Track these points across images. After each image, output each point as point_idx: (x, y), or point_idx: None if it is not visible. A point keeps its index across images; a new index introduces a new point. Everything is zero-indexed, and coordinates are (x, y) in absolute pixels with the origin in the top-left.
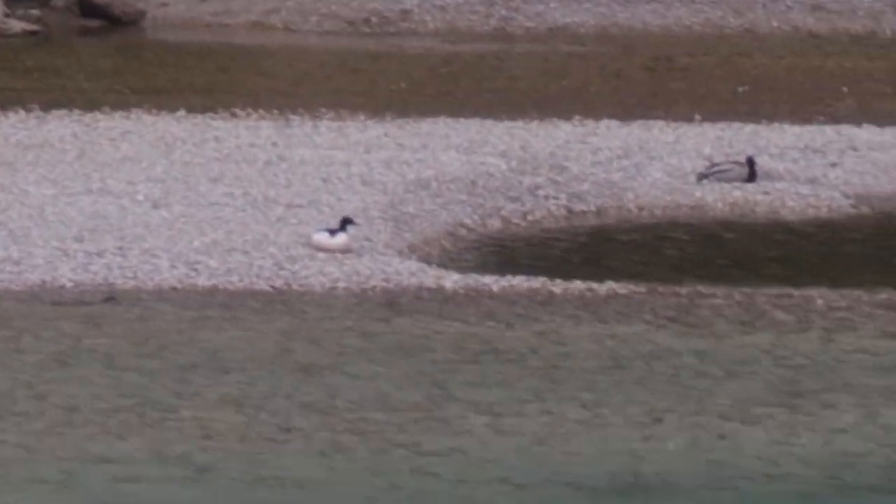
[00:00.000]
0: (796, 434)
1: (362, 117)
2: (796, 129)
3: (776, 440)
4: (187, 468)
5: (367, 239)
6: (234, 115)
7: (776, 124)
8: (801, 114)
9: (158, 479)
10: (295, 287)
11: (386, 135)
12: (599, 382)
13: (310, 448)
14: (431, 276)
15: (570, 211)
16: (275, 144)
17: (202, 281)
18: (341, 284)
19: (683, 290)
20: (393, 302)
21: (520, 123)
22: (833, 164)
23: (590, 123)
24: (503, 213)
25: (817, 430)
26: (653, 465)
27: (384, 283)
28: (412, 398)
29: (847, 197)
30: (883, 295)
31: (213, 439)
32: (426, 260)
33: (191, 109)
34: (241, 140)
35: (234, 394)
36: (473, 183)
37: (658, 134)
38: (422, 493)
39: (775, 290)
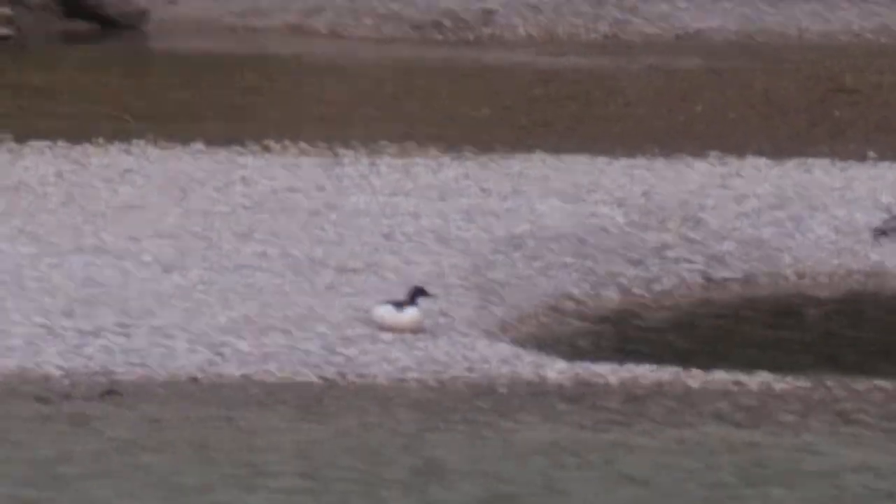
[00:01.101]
0: None
1: (434, 153)
2: None
3: None
4: None
5: (445, 314)
6: (266, 150)
7: None
8: None
9: None
10: (351, 378)
11: (466, 176)
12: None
13: None
14: (529, 365)
15: (708, 279)
16: (321, 189)
17: (230, 370)
18: (412, 375)
19: (861, 387)
20: (479, 398)
21: (640, 162)
22: None
23: (732, 162)
24: (621, 280)
25: None
26: None
27: (467, 374)
28: None
29: None
30: None
31: None
32: (522, 343)
33: (211, 142)
34: (277, 182)
35: None
36: (581, 241)
37: (821, 176)
38: None
39: None
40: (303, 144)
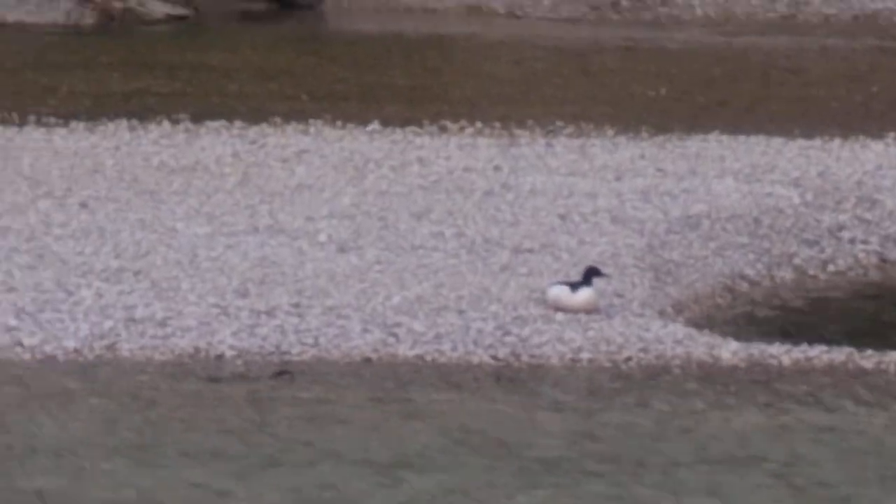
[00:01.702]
0: None
1: (610, 133)
2: None
3: None
4: None
5: (619, 295)
6: (443, 130)
7: None
8: None
9: None
10: (525, 358)
11: (642, 157)
12: None
13: None
14: (703, 345)
15: (883, 259)
16: (497, 169)
17: (404, 350)
18: (586, 355)
19: None
20: (654, 379)
21: (817, 142)
22: None
23: None
24: (796, 261)
25: None
26: None
27: (642, 354)
28: None
29: None
30: None
31: None
32: (696, 323)
33: (387, 122)
34: (453, 163)
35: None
36: (757, 221)
37: None
38: None
39: None
40: (479, 125)
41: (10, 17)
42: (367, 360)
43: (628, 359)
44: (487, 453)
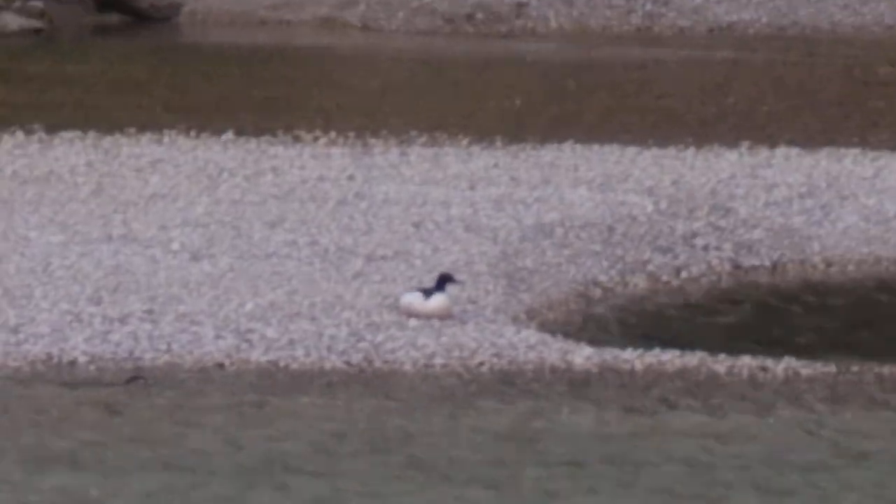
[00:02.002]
0: None
1: (464, 143)
2: None
3: None
4: None
5: (473, 301)
6: (297, 140)
7: None
8: None
9: None
10: (378, 364)
11: (496, 166)
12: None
13: None
14: (556, 351)
15: (736, 266)
16: (351, 178)
17: (256, 355)
18: (439, 361)
19: (887, 370)
20: (507, 384)
21: (671, 152)
22: None
23: (762, 152)
24: (649, 268)
25: None
26: None
27: (495, 360)
28: None
29: None
30: None
31: None
32: (549, 329)
33: (241, 132)
34: (307, 172)
35: None
36: (610, 229)
37: (851, 166)
38: None
39: None
40: (333, 134)
41: None
42: (221, 366)
43: (481, 364)
44: (343, 457)
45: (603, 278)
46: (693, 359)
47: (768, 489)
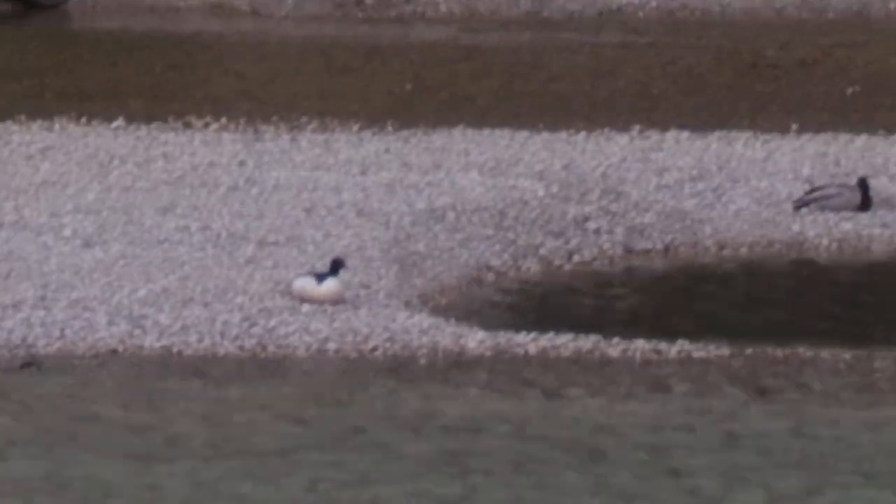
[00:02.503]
0: None
1: (355, 128)
2: None
3: None
4: None
5: (365, 286)
6: (187, 126)
7: None
8: None
9: None
10: (271, 349)
11: (387, 151)
12: (660, 475)
13: None
14: (449, 335)
15: (628, 249)
16: (242, 164)
17: (150, 341)
18: (332, 346)
19: (780, 353)
20: (400, 368)
21: (562, 136)
22: None
23: (653, 136)
24: (541, 252)
25: None
26: None
27: (388, 345)
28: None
29: None
30: None
31: None
32: (442, 313)
33: (131, 119)
34: (198, 158)
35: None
36: (502, 213)
37: (742, 149)
38: None
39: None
40: (224, 121)
41: None
42: (114, 352)
43: (374, 349)
44: (236, 442)
45: (495, 262)
46: (587, 342)
47: (657, 469)
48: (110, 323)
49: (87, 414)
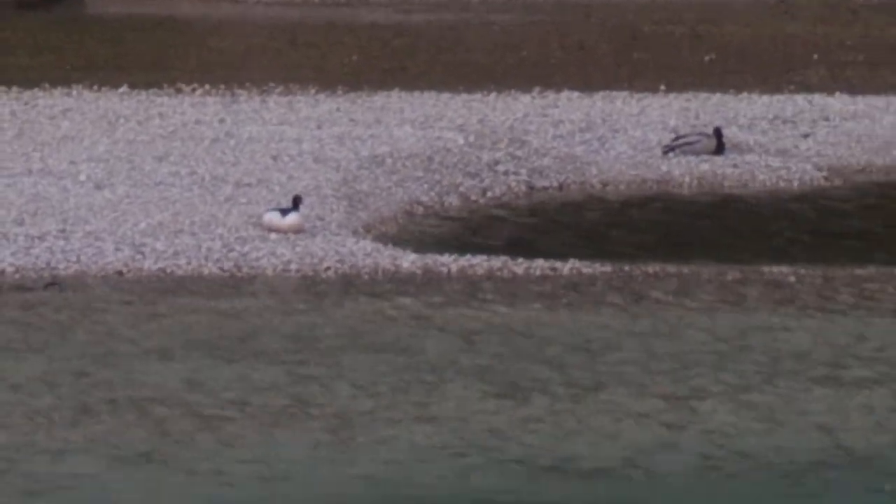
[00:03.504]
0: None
1: (313, 92)
2: (766, 98)
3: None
4: (136, 459)
5: (320, 218)
6: (178, 91)
7: (745, 94)
8: (771, 83)
9: (101, 468)
10: (245, 270)
11: (338, 110)
12: (536, 364)
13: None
14: (387, 257)
15: (530, 187)
16: (222, 121)
17: (149, 264)
18: (294, 266)
19: (652, 269)
20: (348, 285)
21: (477, 96)
22: (805, 135)
23: (550, 95)
24: (461, 189)
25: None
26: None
27: (338, 265)
28: (364, 383)
29: (820, 169)
30: (865, 270)
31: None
32: (382, 240)
33: (134, 85)
34: (187, 117)
35: (181, 377)
36: (430, 159)
37: (622, 106)
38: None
39: (744, 268)
40: (207, 86)
41: None
42: (120, 273)
43: (328, 269)
44: (218, 340)
45: (424, 199)
46: (497, 262)
47: (536, 359)
48: (117, 250)
49: (98, 322)
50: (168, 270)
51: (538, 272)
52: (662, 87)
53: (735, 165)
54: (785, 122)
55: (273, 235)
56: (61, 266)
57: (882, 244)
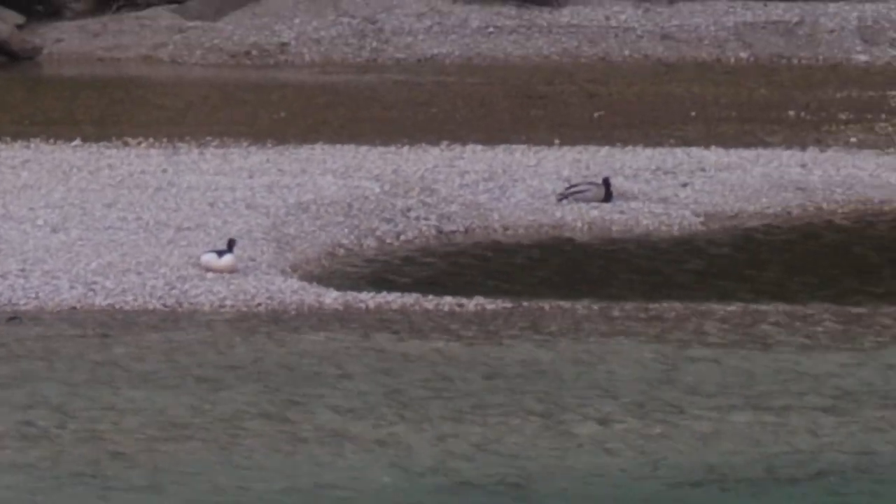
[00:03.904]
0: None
1: (245, 144)
2: (649, 151)
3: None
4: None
5: (252, 259)
6: (125, 144)
7: (630, 147)
8: (654, 137)
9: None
10: (185, 306)
11: (267, 161)
12: (439, 387)
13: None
14: (312, 294)
15: (439, 231)
16: (164, 171)
17: (99, 301)
18: (228, 303)
19: (546, 305)
20: (277, 319)
21: (392, 149)
22: (683, 185)
23: (457, 148)
24: (378, 233)
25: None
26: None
27: (268, 301)
28: (289, 410)
29: (697, 215)
30: (731, 306)
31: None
32: (307, 278)
33: (86, 139)
34: (133, 167)
35: (122, 406)
36: (350, 205)
37: (520, 157)
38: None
39: (625, 305)
40: (151, 140)
41: None
42: (74, 309)
43: (259, 304)
44: (162, 367)
45: (345, 241)
46: (410, 299)
47: (439, 386)
48: (71, 287)
49: (54, 352)
50: (117, 306)
51: (446, 308)
52: (556, 141)
53: (622, 212)
54: (666, 172)
55: (210, 275)
56: (21, 302)
57: (749, 282)
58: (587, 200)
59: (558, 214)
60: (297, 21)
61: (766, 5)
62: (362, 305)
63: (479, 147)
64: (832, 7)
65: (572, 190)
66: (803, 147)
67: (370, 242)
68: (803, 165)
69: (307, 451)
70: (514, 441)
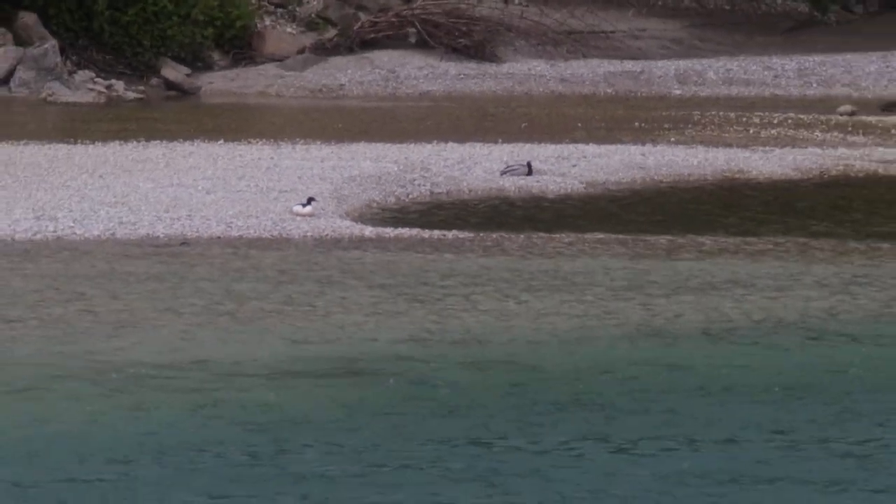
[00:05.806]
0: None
1: (319, 143)
2: (553, 146)
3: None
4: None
5: (322, 209)
6: (249, 143)
7: (543, 144)
8: (556, 138)
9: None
10: (284, 236)
11: (332, 152)
12: (440, 285)
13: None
14: (357, 229)
15: (432, 193)
16: (272, 158)
17: (234, 233)
18: (309, 234)
19: (493, 235)
20: (337, 243)
21: (404, 146)
22: (573, 165)
23: (442, 144)
24: (396, 194)
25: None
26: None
27: (332, 233)
28: (354, 295)
29: (581, 183)
30: (599, 234)
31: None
32: (354, 220)
33: (227, 140)
34: (254, 156)
35: (261, 292)
36: (379, 178)
37: (479, 150)
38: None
39: (537, 234)
40: (264, 140)
41: None
42: (219, 238)
43: (326, 234)
44: (275, 272)
45: (377, 198)
46: (413, 231)
47: (435, 286)
48: (217, 225)
49: (208, 259)
50: (244, 236)
51: (435, 237)
52: (499, 141)
53: (537, 181)
54: (563, 158)
55: (298, 218)
56: (189, 233)
57: (607, 221)
58: (518, 175)
59: (501, 183)
60: (349, 71)
61: (622, 62)
62: (386, 236)
63: (455, 144)
64: (660, 62)
65: (509, 169)
66: (643, 144)
67: (391, 199)
68: (643, 154)
69: (351, 316)
70: (464, 310)
